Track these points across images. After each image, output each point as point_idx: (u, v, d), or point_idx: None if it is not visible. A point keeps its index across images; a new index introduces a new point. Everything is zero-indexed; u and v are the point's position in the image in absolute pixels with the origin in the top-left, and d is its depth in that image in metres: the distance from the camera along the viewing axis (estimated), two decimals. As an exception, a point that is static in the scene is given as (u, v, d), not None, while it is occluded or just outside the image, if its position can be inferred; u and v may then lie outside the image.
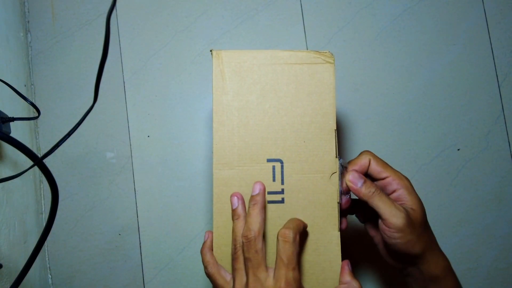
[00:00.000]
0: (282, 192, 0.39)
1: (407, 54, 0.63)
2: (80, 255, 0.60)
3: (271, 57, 0.40)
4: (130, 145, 0.61)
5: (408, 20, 0.64)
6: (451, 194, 0.62)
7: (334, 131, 0.40)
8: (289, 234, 0.34)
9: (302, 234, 0.37)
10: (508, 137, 0.63)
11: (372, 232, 0.45)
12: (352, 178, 0.39)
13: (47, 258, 0.60)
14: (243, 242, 0.35)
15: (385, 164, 0.41)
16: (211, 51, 0.40)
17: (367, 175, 0.41)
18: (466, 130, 0.63)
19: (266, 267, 0.35)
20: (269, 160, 0.39)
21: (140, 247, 0.61)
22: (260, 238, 0.35)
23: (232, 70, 0.40)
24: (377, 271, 0.62)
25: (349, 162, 0.41)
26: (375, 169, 0.40)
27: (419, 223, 0.39)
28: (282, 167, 0.39)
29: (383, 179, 0.41)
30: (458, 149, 0.63)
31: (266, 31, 0.63)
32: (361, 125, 0.63)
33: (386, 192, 0.40)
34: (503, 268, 0.62)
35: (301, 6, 0.64)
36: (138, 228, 0.61)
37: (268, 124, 0.40)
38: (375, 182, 0.41)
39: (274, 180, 0.39)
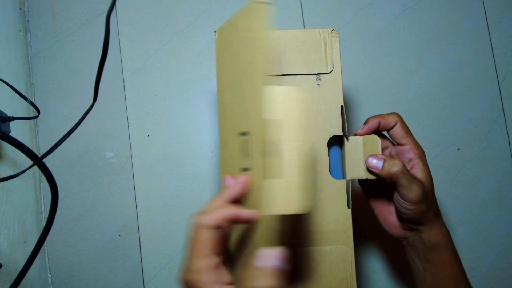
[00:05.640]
0: None
1: (407, 54, 0.63)
2: (80, 254, 0.60)
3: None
4: (130, 144, 0.61)
5: (408, 19, 0.64)
6: (451, 193, 0.62)
7: (341, 107, 0.40)
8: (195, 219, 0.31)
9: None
10: (508, 136, 0.63)
11: (374, 201, 0.45)
12: (373, 163, 0.40)
13: (46, 258, 0.60)
14: None
15: (408, 131, 0.42)
16: (215, 32, 0.40)
17: (389, 135, 0.43)
18: (466, 130, 0.63)
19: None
20: None
21: (140, 246, 0.61)
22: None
23: None
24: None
25: (378, 115, 0.42)
26: (398, 132, 0.42)
27: (430, 195, 0.40)
28: None
29: (401, 144, 0.42)
30: (458, 149, 0.63)
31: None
32: (361, 124, 0.62)
33: (402, 159, 0.41)
34: (503, 268, 0.62)
35: (301, 6, 0.63)
36: (138, 227, 0.61)
37: None
38: (395, 146, 0.43)
39: None
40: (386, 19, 0.64)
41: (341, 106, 0.40)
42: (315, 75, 0.40)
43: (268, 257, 0.28)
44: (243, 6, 0.33)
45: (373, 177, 0.40)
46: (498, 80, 0.63)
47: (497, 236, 0.62)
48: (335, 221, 0.39)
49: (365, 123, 0.42)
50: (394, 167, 0.39)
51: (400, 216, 0.42)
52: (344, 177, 0.41)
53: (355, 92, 0.63)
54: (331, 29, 0.40)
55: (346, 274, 0.38)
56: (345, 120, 0.40)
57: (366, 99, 0.63)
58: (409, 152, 0.42)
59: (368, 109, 0.62)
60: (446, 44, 0.64)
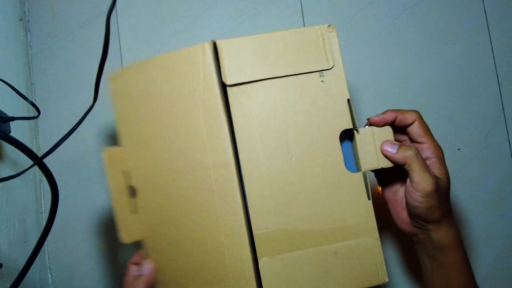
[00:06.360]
0: None
1: (407, 54, 0.63)
2: (80, 254, 0.60)
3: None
4: (130, 144, 0.61)
5: (408, 19, 0.64)
6: (451, 193, 0.62)
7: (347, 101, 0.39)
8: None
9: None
10: (508, 136, 0.63)
11: (388, 194, 0.45)
12: (388, 147, 0.40)
13: (47, 258, 0.60)
14: None
15: (427, 130, 0.42)
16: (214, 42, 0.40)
17: (406, 133, 0.43)
18: (466, 130, 0.63)
19: None
20: None
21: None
22: None
23: None
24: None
25: (397, 110, 0.42)
26: (416, 131, 0.41)
27: (444, 192, 0.40)
28: None
29: (419, 143, 0.42)
30: (458, 149, 0.63)
31: (266, 30, 0.63)
32: (361, 124, 0.62)
33: None
34: (503, 268, 0.62)
35: (301, 6, 0.64)
36: (138, 227, 0.60)
37: None
38: (413, 143, 0.42)
39: None
40: (386, 19, 0.64)
41: (348, 100, 0.40)
42: (318, 72, 0.40)
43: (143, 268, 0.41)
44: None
45: (388, 165, 0.40)
46: (498, 80, 0.63)
47: (497, 236, 0.62)
48: (357, 215, 0.39)
49: (383, 113, 0.42)
50: (408, 151, 0.39)
51: (410, 210, 0.42)
52: (359, 169, 0.41)
53: (355, 92, 0.63)
54: (327, 25, 0.40)
55: (376, 265, 0.38)
56: (354, 113, 0.39)
57: (366, 99, 0.63)
58: (426, 151, 0.41)
59: (368, 109, 0.62)
60: (446, 44, 0.64)
